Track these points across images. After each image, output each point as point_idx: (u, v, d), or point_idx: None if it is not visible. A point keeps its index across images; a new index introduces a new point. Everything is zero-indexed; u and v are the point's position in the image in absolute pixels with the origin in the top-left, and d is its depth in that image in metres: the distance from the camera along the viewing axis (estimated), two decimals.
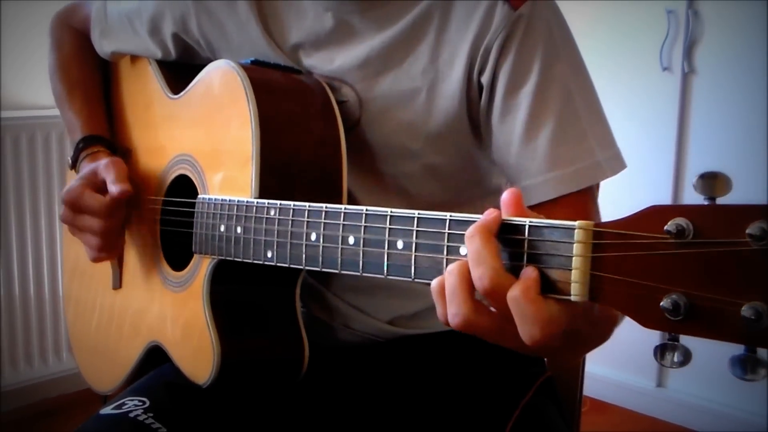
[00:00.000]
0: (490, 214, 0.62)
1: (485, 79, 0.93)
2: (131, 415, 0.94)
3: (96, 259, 1.11)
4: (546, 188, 0.90)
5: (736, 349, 0.49)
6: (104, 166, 1.08)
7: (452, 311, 0.62)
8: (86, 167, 1.12)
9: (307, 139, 0.95)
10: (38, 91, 2.49)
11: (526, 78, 0.91)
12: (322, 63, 1.01)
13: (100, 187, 1.08)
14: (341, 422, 1.02)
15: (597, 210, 0.95)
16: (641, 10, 2.65)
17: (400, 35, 0.96)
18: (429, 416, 0.98)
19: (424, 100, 0.97)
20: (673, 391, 2.69)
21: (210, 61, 1.04)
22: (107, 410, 0.96)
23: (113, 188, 1.05)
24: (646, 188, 2.51)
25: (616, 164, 0.93)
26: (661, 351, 0.52)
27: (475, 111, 0.96)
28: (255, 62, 0.98)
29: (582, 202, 0.91)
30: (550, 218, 0.60)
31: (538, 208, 0.87)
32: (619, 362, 2.72)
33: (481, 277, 0.60)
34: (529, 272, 0.59)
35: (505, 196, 0.63)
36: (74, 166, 1.18)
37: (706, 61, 2.55)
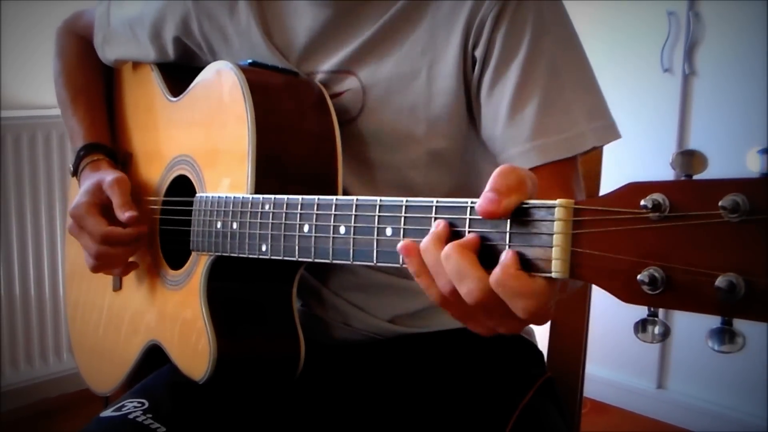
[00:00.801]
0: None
1: (479, 53, 0.95)
2: (131, 416, 0.95)
3: (94, 272, 1.12)
4: (529, 156, 0.91)
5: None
6: (108, 185, 1.08)
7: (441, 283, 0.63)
8: (89, 177, 1.13)
9: (302, 137, 0.96)
10: (38, 90, 2.49)
11: (516, 51, 0.93)
12: (324, 59, 1.02)
13: (105, 204, 1.09)
14: (341, 421, 1.02)
15: (579, 181, 0.96)
16: (642, 11, 2.65)
17: (397, 18, 0.98)
18: (429, 416, 0.98)
19: (424, 81, 0.97)
20: (674, 392, 2.68)
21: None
22: (107, 413, 0.97)
23: (121, 215, 1.06)
24: None
25: (607, 134, 0.94)
26: (642, 325, 0.53)
27: (470, 88, 0.97)
28: (253, 64, 1.00)
29: (565, 171, 0.92)
30: None
31: None
32: (620, 363, 2.72)
33: (469, 292, 0.60)
34: (505, 254, 0.59)
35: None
36: (75, 173, 1.19)
37: (707, 63, 2.56)
